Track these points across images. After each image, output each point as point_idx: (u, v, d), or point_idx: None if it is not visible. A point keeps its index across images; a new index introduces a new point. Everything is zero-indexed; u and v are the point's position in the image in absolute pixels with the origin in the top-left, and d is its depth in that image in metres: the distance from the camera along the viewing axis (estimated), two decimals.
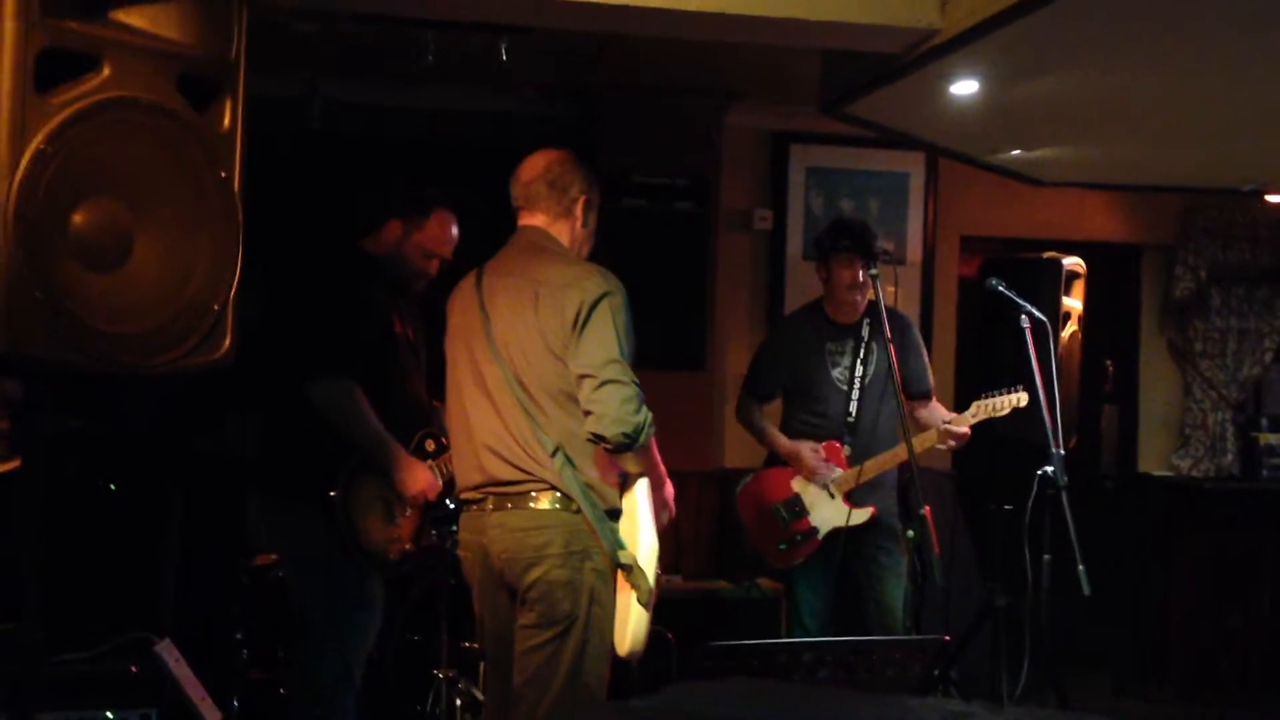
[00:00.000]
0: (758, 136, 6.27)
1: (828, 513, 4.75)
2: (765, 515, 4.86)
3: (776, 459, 4.92)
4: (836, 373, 4.86)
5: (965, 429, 4.66)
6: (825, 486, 4.75)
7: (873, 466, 4.71)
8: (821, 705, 0.91)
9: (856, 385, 4.83)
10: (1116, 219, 6.79)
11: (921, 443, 4.66)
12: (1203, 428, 6.77)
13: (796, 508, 4.79)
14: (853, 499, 4.73)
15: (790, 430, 4.91)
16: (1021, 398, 4.59)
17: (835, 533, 4.73)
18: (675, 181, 5.95)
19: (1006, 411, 4.64)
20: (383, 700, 4.69)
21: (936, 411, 4.94)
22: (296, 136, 5.48)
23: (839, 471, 4.77)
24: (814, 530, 4.76)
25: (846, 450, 4.79)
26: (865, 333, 4.86)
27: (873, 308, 4.74)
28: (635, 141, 5.89)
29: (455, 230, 4.18)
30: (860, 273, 4.70)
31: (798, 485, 4.82)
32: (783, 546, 4.80)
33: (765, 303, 6.29)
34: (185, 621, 4.59)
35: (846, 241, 4.73)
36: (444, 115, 5.92)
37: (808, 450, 4.79)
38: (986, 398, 4.66)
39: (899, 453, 4.66)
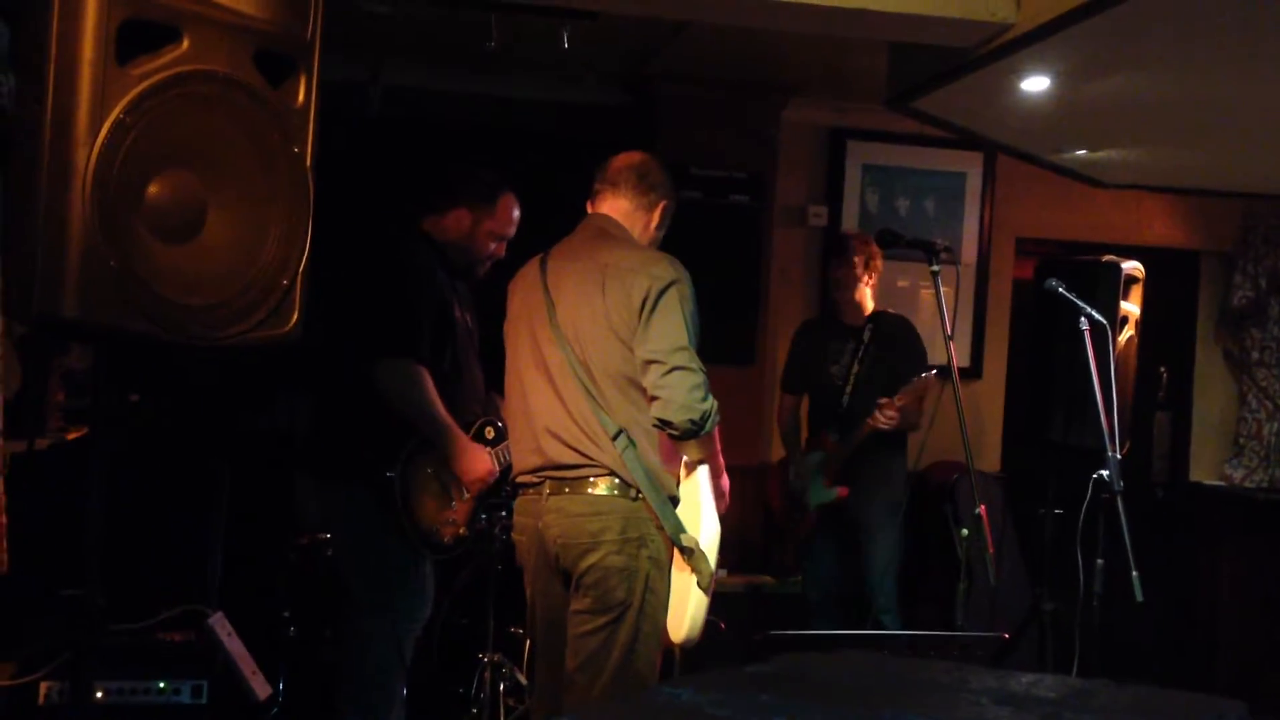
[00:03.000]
0: (815, 132, 6.25)
1: (817, 492, 5.27)
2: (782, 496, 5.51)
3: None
4: (835, 369, 5.31)
5: (892, 412, 4.92)
6: (816, 469, 5.27)
7: (837, 449, 5.18)
8: (937, 677, 0.91)
9: (851, 381, 5.25)
10: (1175, 225, 6.73)
11: (864, 431, 5.03)
12: (1257, 438, 6.70)
13: (800, 489, 5.35)
14: (839, 481, 5.19)
15: (809, 418, 5.51)
16: (931, 380, 4.91)
17: (823, 509, 5.24)
18: (732, 175, 5.95)
19: (921, 388, 4.93)
20: (427, 683, 4.70)
21: None
22: (355, 122, 5.50)
23: (820, 455, 5.28)
24: (806, 506, 5.30)
25: (834, 438, 5.25)
26: (866, 335, 5.26)
27: (876, 314, 5.30)
28: (693, 134, 5.88)
29: (518, 211, 4.21)
30: (837, 273, 5.25)
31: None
32: (791, 523, 5.42)
33: (818, 299, 6.26)
34: (232, 598, 4.62)
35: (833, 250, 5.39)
36: (502, 102, 5.93)
37: (790, 471, 5.41)
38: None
39: (856, 436, 5.09)
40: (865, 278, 5.25)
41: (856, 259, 5.21)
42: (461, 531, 4.02)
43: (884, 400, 4.94)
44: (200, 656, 3.76)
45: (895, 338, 5.27)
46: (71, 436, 3.87)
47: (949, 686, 0.91)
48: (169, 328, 2.36)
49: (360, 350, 3.90)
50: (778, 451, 6.17)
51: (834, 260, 5.32)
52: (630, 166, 3.60)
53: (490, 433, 4.08)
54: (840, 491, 5.18)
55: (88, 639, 2.52)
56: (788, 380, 5.54)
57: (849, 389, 5.24)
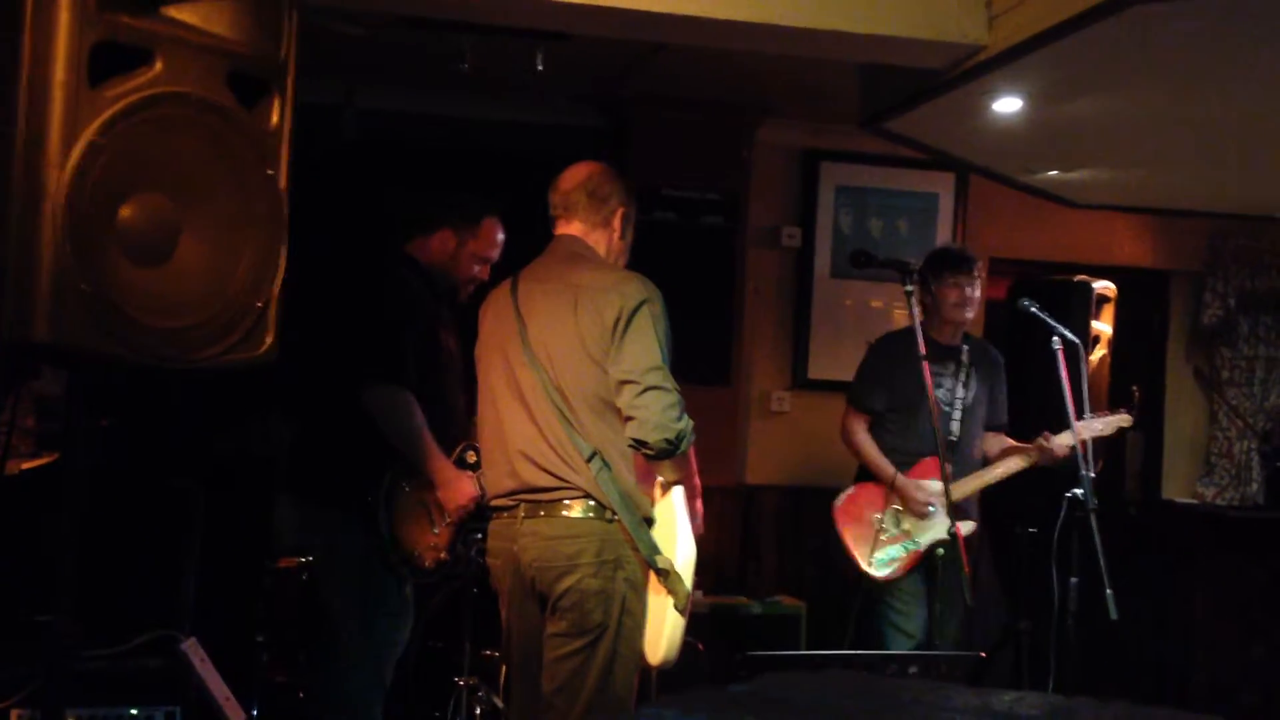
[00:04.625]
0: (788, 153, 6.27)
1: (928, 525, 4.73)
2: (864, 528, 4.78)
3: (867, 474, 4.92)
4: (940, 393, 4.82)
5: (1066, 449, 4.64)
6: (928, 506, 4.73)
7: (964, 487, 4.74)
8: (919, 697, 0.91)
9: (958, 406, 4.86)
10: (1145, 244, 6.77)
11: (1016, 465, 4.77)
12: (1228, 456, 6.74)
13: (899, 520, 4.76)
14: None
15: (886, 446, 4.87)
16: (1126, 419, 4.72)
17: (934, 546, 4.68)
18: (705, 196, 5.96)
19: (1112, 432, 4.73)
20: (403, 707, 4.67)
21: (1002, 442, 5.00)
22: (329, 144, 5.48)
23: (938, 486, 4.69)
24: (915, 542, 4.72)
25: (949, 468, 4.66)
26: (965, 357, 4.91)
27: (966, 336, 4.96)
28: (666, 155, 5.89)
29: (502, 234, 4.22)
30: (965, 290, 4.82)
31: (896, 501, 4.75)
32: (881, 559, 4.69)
33: (792, 320, 6.28)
34: (206, 622, 4.58)
35: (953, 263, 4.85)
36: (476, 124, 5.93)
37: (913, 488, 4.76)
38: (1091, 418, 4.70)
39: (986, 476, 4.77)
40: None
41: (978, 279, 4.90)
42: (443, 556, 4.02)
43: (1053, 438, 4.66)
44: (173, 683, 3.73)
45: (992, 363, 5.01)
46: (39, 462, 3.84)
47: (932, 705, 0.91)
48: (142, 351, 2.34)
49: (348, 375, 3.89)
50: (755, 474, 6.17)
51: (954, 276, 4.83)
52: (578, 186, 3.57)
53: (472, 456, 4.08)
54: (974, 524, 4.77)
55: (59, 665, 2.49)
56: (868, 398, 4.93)
57: (957, 416, 4.85)
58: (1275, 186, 5.29)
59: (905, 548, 4.73)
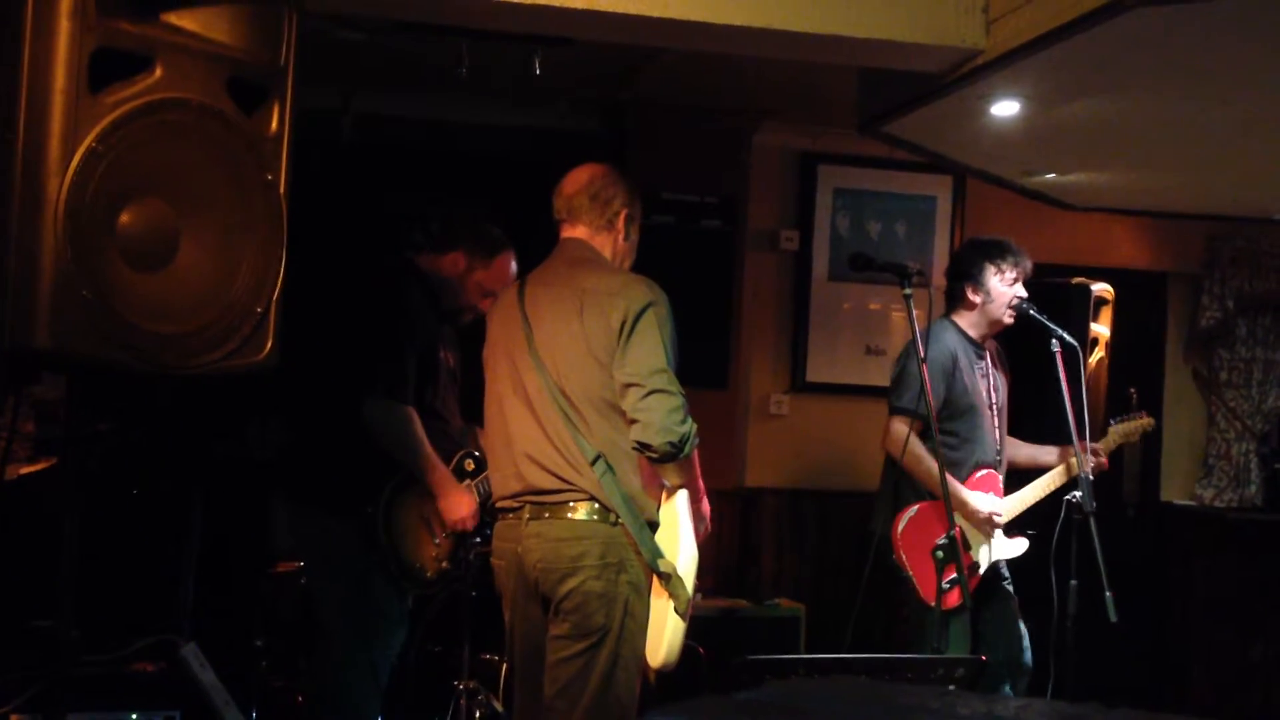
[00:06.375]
0: (786, 156, 6.27)
1: (986, 545, 4.57)
2: (928, 555, 4.18)
3: (913, 492, 4.53)
4: (985, 395, 4.65)
5: (1105, 459, 4.64)
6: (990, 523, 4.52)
7: (1029, 498, 4.64)
8: (926, 703, 0.91)
9: (996, 411, 4.65)
10: (1143, 246, 6.78)
11: (1058, 480, 4.67)
12: (1226, 458, 6.74)
13: (963, 543, 4.32)
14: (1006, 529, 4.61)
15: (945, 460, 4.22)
16: (1149, 422, 4.75)
17: (992, 565, 4.59)
18: (704, 199, 5.96)
19: (1137, 437, 4.76)
20: (402, 711, 4.67)
21: (1014, 445, 4.85)
22: (327, 148, 5.49)
23: (1003, 503, 4.60)
24: (975, 565, 4.49)
25: (1000, 478, 4.62)
26: (989, 355, 4.73)
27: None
28: (665, 158, 5.89)
29: (514, 268, 4.21)
30: (1019, 286, 4.60)
31: (957, 519, 4.23)
32: (946, 586, 4.13)
33: (790, 323, 6.28)
34: (205, 627, 4.59)
35: (1018, 258, 4.65)
36: (475, 129, 5.93)
37: (984, 503, 4.52)
38: (1119, 423, 4.72)
39: (1038, 491, 4.64)
40: None
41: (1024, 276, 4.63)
42: (445, 565, 4.03)
43: (1096, 446, 4.51)
44: (173, 687, 3.74)
45: (1002, 359, 4.79)
46: (38, 467, 3.84)
47: (939, 712, 0.91)
48: (142, 357, 2.35)
49: (348, 387, 3.90)
50: (753, 476, 6.17)
51: (1016, 272, 4.61)
52: (580, 190, 3.57)
53: (470, 465, 4.10)
54: (1025, 541, 4.57)
55: (59, 671, 2.49)
56: (915, 401, 4.28)
57: (997, 421, 4.62)
58: (1272, 189, 5.30)
59: (967, 571, 4.27)
